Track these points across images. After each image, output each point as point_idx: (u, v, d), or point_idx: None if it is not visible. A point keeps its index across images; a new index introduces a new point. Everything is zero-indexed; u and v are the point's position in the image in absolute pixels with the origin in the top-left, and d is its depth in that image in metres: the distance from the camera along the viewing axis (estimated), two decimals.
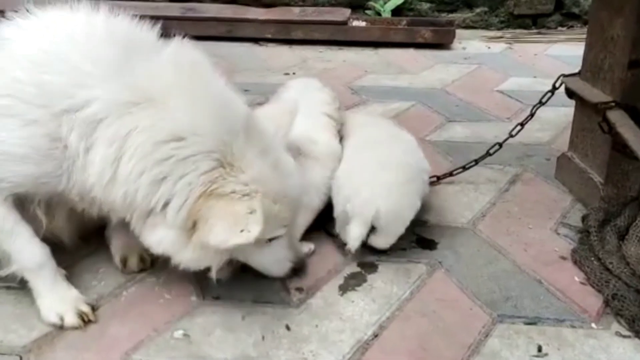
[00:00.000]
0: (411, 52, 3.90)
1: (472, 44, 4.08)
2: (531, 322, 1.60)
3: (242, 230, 1.42)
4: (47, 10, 1.62)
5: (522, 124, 2.23)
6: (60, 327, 1.58)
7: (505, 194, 2.22)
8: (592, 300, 1.68)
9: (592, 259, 1.80)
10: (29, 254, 1.62)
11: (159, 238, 1.53)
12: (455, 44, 4.04)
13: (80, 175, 1.51)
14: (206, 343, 1.54)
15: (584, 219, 1.97)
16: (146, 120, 1.46)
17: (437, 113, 2.94)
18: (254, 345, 1.54)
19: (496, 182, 2.30)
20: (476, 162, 2.24)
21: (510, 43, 4.12)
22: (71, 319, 1.59)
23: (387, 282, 1.75)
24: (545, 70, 3.54)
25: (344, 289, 1.73)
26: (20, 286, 1.69)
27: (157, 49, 1.58)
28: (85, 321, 1.60)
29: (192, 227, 1.48)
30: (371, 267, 1.82)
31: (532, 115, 2.23)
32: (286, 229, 1.61)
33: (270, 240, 1.59)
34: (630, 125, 1.78)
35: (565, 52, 3.82)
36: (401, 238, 1.93)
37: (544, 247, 1.91)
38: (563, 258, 1.86)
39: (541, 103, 2.20)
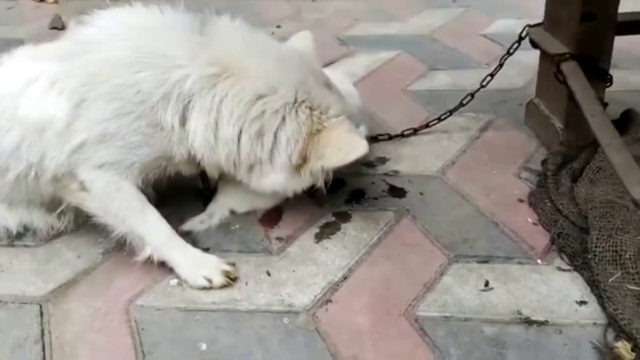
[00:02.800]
0: None
1: None
2: (483, 261, 1.80)
3: (351, 149, 1.75)
4: (111, 11, 1.83)
5: (492, 75, 2.35)
6: (210, 288, 1.75)
7: (476, 141, 2.38)
8: (541, 239, 1.86)
9: (546, 200, 1.97)
10: (160, 229, 1.81)
11: (271, 183, 1.82)
12: None
13: (181, 145, 1.75)
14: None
15: (543, 162, 2.13)
16: (233, 88, 1.71)
17: (422, 61, 3.05)
18: (238, 289, 1.76)
19: (468, 130, 2.44)
20: (450, 112, 2.38)
21: None
22: (219, 279, 1.75)
23: (358, 229, 1.95)
24: (531, 10, 3.53)
25: (319, 237, 1.94)
26: (35, 244, 1.95)
27: (210, 26, 1.79)
28: (231, 279, 1.77)
29: (301, 163, 1.77)
30: (345, 217, 2.01)
31: (500, 65, 2.35)
32: None
33: None
34: (579, 77, 1.91)
35: None
36: (374, 188, 2.13)
37: (505, 191, 2.08)
38: (520, 201, 2.03)
39: (509, 53, 2.31)
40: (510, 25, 3.41)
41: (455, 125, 2.47)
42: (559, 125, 2.16)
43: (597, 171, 1.99)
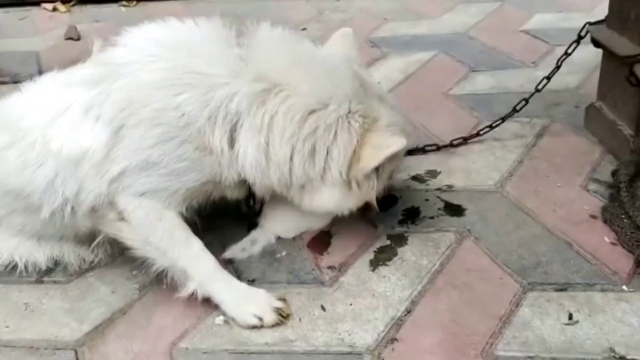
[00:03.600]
0: None
1: None
2: (561, 288, 1.63)
3: (386, 144, 1.60)
4: (141, 28, 1.67)
5: (548, 78, 2.17)
6: (260, 327, 1.59)
7: (532, 149, 2.20)
8: (623, 262, 1.68)
9: (623, 216, 1.79)
10: (204, 262, 1.66)
11: (324, 201, 1.67)
12: None
13: (230, 168, 1.60)
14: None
15: (614, 173, 1.95)
16: (283, 104, 1.56)
17: (461, 62, 2.87)
18: (292, 327, 1.60)
19: (523, 137, 2.26)
20: (503, 119, 2.21)
21: None
22: (270, 317, 1.60)
23: (417, 254, 1.79)
24: (571, 3, 3.40)
25: (374, 264, 1.77)
26: (65, 280, 1.79)
27: (250, 36, 1.64)
28: (283, 316, 1.61)
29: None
30: (400, 239, 1.85)
31: (558, 67, 2.17)
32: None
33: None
34: None
35: None
36: (428, 205, 1.96)
37: (574, 206, 1.90)
38: (593, 217, 1.85)
39: (567, 54, 2.13)
40: (551, 19, 3.24)
41: (508, 132, 2.29)
42: (628, 131, 1.98)
43: None
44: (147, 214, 1.62)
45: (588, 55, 2.64)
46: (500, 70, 2.75)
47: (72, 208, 1.63)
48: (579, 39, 2.08)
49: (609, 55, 2.00)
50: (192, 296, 1.65)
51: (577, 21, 3.11)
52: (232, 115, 1.55)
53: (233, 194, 1.74)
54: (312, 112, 1.58)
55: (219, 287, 1.65)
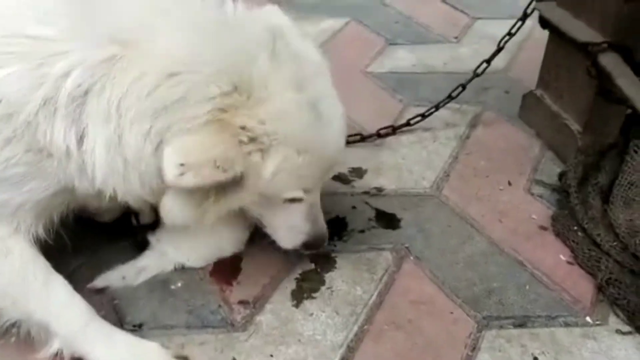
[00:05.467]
0: None
1: None
2: (521, 324, 1.37)
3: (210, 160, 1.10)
4: None
5: (487, 61, 1.90)
6: None
7: (467, 142, 1.93)
8: (584, 286, 1.47)
9: (576, 229, 1.57)
10: (73, 311, 1.23)
11: (168, 207, 1.20)
12: None
13: (83, 176, 1.14)
14: None
15: (560, 176, 1.73)
16: (132, 70, 1.09)
17: (376, 33, 2.53)
18: None
19: (455, 127, 1.99)
20: (437, 107, 1.91)
21: None
22: None
23: (348, 281, 1.45)
24: None
25: (297, 297, 1.41)
26: None
27: None
28: None
29: None
30: (327, 262, 1.50)
31: (500, 49, 1.89)
32: (310, 195, 1.32)
33: (290, 201, 1.30)
34: (627, 73, 1.49)
35: None
36: (356, 215, 1.63)
37: (520, 214, 1.66)
38: (543, 228, 1.62)
39: (510, 34, 1.86)
40: None
41: (438, 121, 1.99)
42: (575, 127, 1.76)
43: (629, 187, 1.62)
44: None
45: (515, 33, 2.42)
46: (420, 45, 2.45)
47: None
48: (524, 17, 1.81)
49: (560, 39, 1.74)
50: (56, 357, 1.21)
51: None
52: (74, 98, 1.09)
53: (102, 205, 1.29)
54: (170, 75, 1.10)
55: (94, 345, 1.22)
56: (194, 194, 1.16)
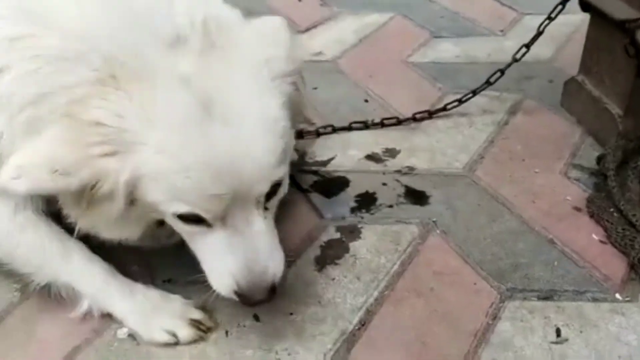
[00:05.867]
0: None
1: None
2: (546, 297, 1.35)
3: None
4: None
5: (527, 46, 1.88)
6: (175, 344, 1.25)
7: (504, 128, 1.91)
8: (616, 264, 1.42)
9: (612, 210, 1.53)
10: (91, 273, 1.28)
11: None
12: None
13: None
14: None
15: (599, 160, 1.68)
16: (29, 50, 1.04)
17: (420, 27, 2.54)
18: (215, 344, 1.26)
19: (494, 114, 1.97)
20: (474, 93, 1.90)
21: None
22: (186, 333, 1.25)
23: (372, 251, 1.47)
24: None
25: (321, 262, 1.44)
26: None
27: None
28: (204, 330, 1.26)
29: None
30: (352, 232, 1.52)
31: (540, 33, 1.87)
32: (225, 221, 1.09)
33: (190, 221, 1.08)
34: None
35: None
36: (386, 191, 1.65)
37: (555, 196, 1.63)
38: (577, 209, 1.58)
39: (550, 19, 1.84)
40: None
41: (476, 108, 1.99)
42: (616, 111, 1.71)
43: None
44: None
45: (561, 25, 2.37)
46: (464, 38, 2.45)
47: None
48: (564, 2, 1.79)
49: (600, 20, 1.71)
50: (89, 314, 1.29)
51: None
52: None
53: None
54: (56, 57, 1.03)
55: (117, 300, 1.29)
56: (66, 200, 1.09)
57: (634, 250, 1.41)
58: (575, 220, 1.55)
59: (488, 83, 1.89)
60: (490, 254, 1.46)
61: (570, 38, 2.34)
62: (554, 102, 2.01)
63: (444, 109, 1.91)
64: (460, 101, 1.90)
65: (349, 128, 1.87)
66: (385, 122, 1.89)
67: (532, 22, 2.52)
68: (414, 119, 1.90)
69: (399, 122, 1.90)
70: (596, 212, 1.54)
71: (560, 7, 1.80)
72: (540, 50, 2.32)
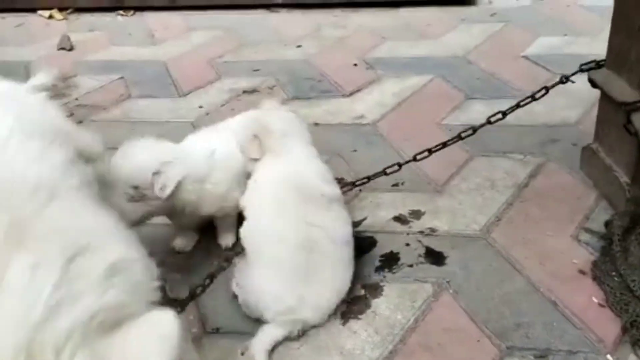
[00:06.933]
0: (433, 10, 3.66)
1: None
2: (542, 356, 1.51)
3: None
4: None
5: (503, 113, 2.06)
6: None
7: (524, 190, 2.08)
8: (610, 327, 1.57)
9: (614, 274, 1.67)
10: None
11: None
12: None
13: None
14: None
15: (607, 224, 1.83)
16: None
17: (457, 89, 2.75)
18: None
19: (515, 176, 2.15)
20: (474, 131, 2.05)
21: None
22: None
23: (391, 307, 1.68)
24: (577, 26, 3.28)
25: (346, 316, 1.66)
26: None
27: None
28: None
29: None
30: (375, 290, 1.74)
31: (518, 106, 2.06)
32: None
33: None
34: None
35: (600, 0, 3.50)
36: (408, 251, 1.86)
37: (563, 259, 1.78)
38: (582, 272, 1.73)
39: (546, 89, 2.01)
40: (555, 44, 3.12)
41: (500, 171, 2.17)
42: (624, 179, 1.86)
43: None
44: None
45: (589, 89, 2.52)
46: (496, 100, 2.63)
47: None
48: (565, 81, 1.96)
49: (606, 98, 1.87)
50: None
51: (583, 47, 3.02)
52: None
53: None
54: None
55: None
56: None
57: (627, 314, 1.55)
58: (578, 283, 1.70)
59: (460, 137, 2.05)
60: (496, 313, 1.64)
61: (597, 102, 2.47)
62: (575, 165, 2.16)
63: (444, 145, 2.06)
64: (460, 137, 2.05)
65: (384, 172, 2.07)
66: (386, 171, 2.07)
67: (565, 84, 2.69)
68: (414, 159, 2.07)
69: (399, 166, 2.06)
70: (599, 276, 1.69)
71: (544, 91, 1.97)
72: (568, 113, 2.50)
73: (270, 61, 3.15)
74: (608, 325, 1.57)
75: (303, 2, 3.81)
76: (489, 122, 2.08)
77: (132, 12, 4.06)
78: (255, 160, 1.75)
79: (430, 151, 2.08)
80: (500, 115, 2.07)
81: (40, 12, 4.10)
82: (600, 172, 1.98)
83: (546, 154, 2.24)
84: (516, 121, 2.46)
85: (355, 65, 3.06)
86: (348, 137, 2.47)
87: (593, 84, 1.92)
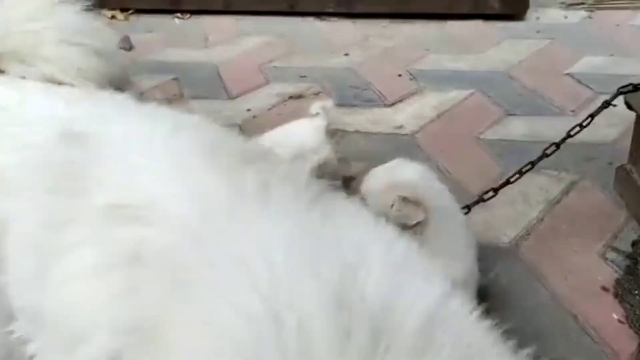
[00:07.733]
0: (479, 24, 3.71)
1: (548, 13, 3.80)
2: None
3: None
4: None
5: (557, 145, 2.07)
6: None
7: (556, 207, 2.14)
8: (628, 343, 1.62)
9: (635, 292, 1.73)
10: None
11: None
12: (531, 12, 3.78)
13: None
14: None
15: (634, 244, 1.88)
16: None
17: (496, 104, 2.81)
18: None
19: (548, 192, 2.21)
20: (532, 165, 2.03)
21: (591, 10, 3.80)
22: None
23: None
24: (625, 46, 3.28)
25: None
26: None
27: None
28: None
29: None
30: None
31: (569, 136, 2.06)
32: None
33: None
34: None
35: None
36: None
37: (587, 275, 1.84)
38: (605, 289, 1.79)
39: (581, 127, 2.04)
40: (600, 63, 3.13)
41: (534, 186, 2.23)
42: None
43: None
44: None
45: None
46: (536, 117, 2.69)
47: None
48: (607, 106, 2.00)
49: None
50: None
51: (628, 67, 3.03)
52: None
53: None
54: None
55: None
56: None
57: None
58: (600, 299, 1.76)
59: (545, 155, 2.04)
60: (519, 323, 1.70)
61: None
62: (609, 184, 2.20)
63: (508, 182, 2.08)
64: (520, 172, 2.07)
65: None
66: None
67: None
68: (482, 199, 2.06)
69: (468, 209, 2.09)
70: (620, 293, 1.74)
71: (589, 119, 2.01)
72: (607, 131, 2.53)
73: (317, 68, 3.27)
74: (625, 341, 1.63)
75: (353, 11, 3.92)
76: (545, 155, 2.06)
77: (188, 15, 4.25)
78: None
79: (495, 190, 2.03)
80: (554, 147, 2.07)
81: (103, 12, 4.34)
82: (632, 193, 2.03)
83: (581, 172, 2.29)
84: (552, 139, 2.51)
85: (399, 75, 3.15)
86: (386, 147, 2.56)
87: (629, 106, 1.96)
